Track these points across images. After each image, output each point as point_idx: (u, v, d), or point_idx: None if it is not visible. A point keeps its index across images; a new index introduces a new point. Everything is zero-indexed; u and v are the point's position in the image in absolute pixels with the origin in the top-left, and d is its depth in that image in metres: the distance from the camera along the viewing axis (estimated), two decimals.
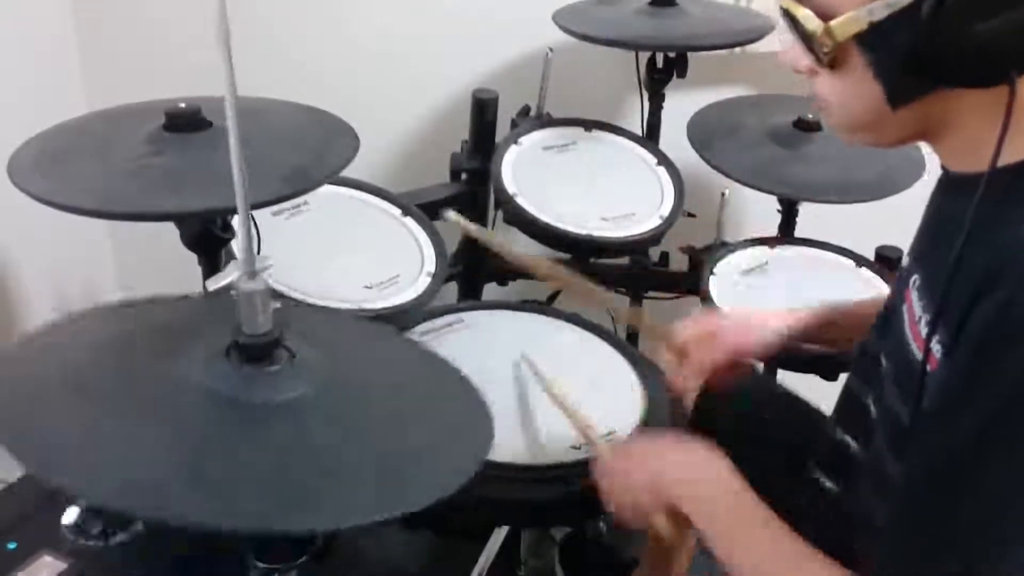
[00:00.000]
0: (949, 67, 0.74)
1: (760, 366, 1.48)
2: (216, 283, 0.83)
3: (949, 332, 0.75)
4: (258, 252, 1.26)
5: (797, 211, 1.71)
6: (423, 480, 0.78)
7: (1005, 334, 0.69)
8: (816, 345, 1.20)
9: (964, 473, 0.72)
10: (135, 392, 0.82)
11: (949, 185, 0.86)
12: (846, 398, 1.01)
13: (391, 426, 0.85)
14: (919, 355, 0.79)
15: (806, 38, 0.79)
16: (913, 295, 0.85)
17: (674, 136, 1.76)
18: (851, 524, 0.89)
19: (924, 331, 0.79)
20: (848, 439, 0.95)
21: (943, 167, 0.86)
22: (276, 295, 1.10)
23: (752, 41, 1.72)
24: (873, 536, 0.83)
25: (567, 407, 1.12)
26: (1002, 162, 0.76)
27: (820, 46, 0.78)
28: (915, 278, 0.86)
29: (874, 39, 0.76)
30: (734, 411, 1.21)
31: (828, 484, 0.98)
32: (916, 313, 0.83)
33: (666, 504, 0.93)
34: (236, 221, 0.84)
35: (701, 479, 0.92)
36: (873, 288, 1.53)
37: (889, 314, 0.92)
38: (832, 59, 0.79)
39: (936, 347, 0.77)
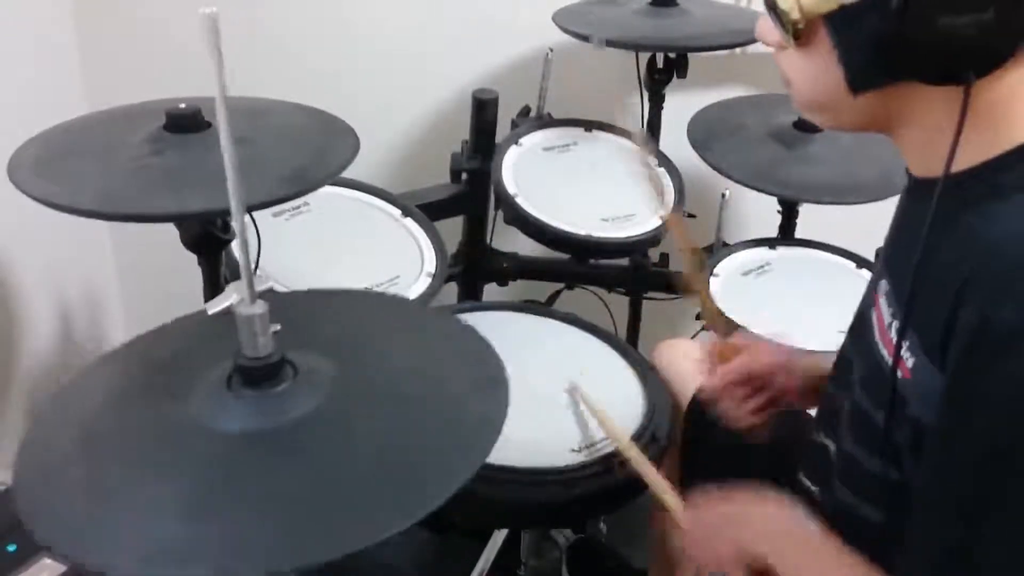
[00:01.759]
0: (910, 59, 0.74)
1: None
2: (215, 307, 0.83)
3: (924, 339, 0.75)
4: (258, 253, 1.26)
5: (797, 212, 1.71)
6: (444, 468, 0.77)
7: (990, 346, 0.69)
8: None
9: (977, 490, 0.71)
10: (146, 446, 0.81)
11: (913, 190, 0.86)
12: (824, 402, 1.01)
13: (405, 419, 0.84)
14: (889, 361, 0.79)
15: (777, 12, 0.80)
16: (882, 301, 0.85)
17: (674, 136, 1.75)
18: (832, 526, 0.88)
19: (894, 337, 0.79)
20: (827, 442, 0.95)
21: (907, 171, 0.86)
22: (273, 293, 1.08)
23: (752, 41, 1.71)
24: (853, 533, 0.83)
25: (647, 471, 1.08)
26: (964, 164, 0.76)
27: (790, 22, 0.79)
28: (883, 283, 0.86)
29: (843, 21, 0.76)
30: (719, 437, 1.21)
31: (812, 488, 0.98)
32: (885, 319, 0.83)
33: (750, 560, 0.90)
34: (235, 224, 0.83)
35: (780, 531, 0.90)
36: None
37: (860, 318, 0.92)
38: (800, 36, 0.79)
39: (906, 354, 0.77)
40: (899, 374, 0.78)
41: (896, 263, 0.86)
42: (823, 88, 0.81)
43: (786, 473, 1.01)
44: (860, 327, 0.91)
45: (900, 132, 0.82)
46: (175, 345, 0.96)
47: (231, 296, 0.81)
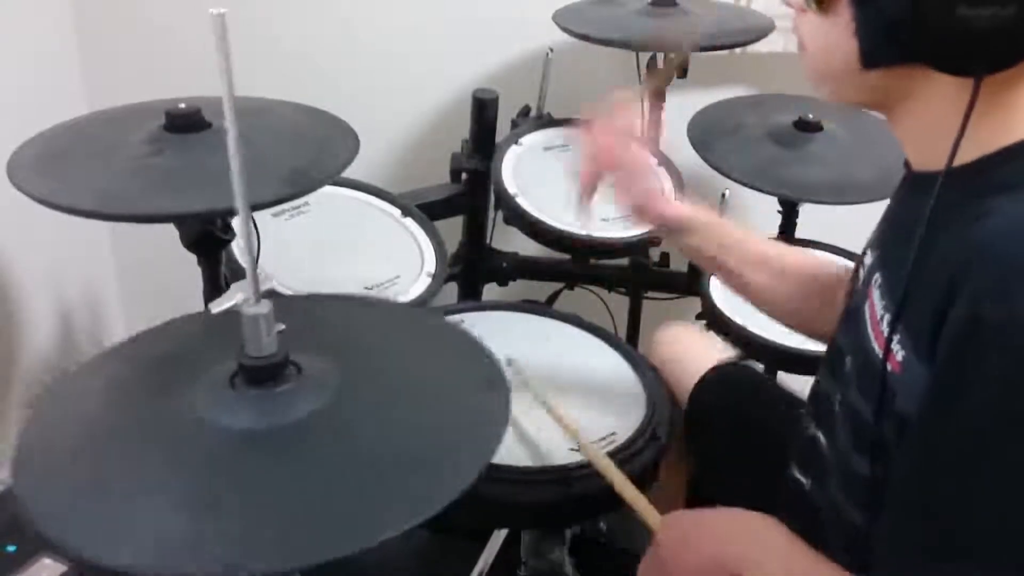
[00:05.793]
0: (924, 44, 0.73)
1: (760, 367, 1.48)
2: (219, 306, 0.83)
3: (913, 333, 0.75)
4: (258, 253, 1.26)
5: (797, 212, 1.71)
6: (447, 472, 0.76)
7: (979, 343, 0.69)
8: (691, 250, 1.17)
9: (957, 481, 0.71)
10: (149, 441, 0.81)
11: (911, 183, 0.86)
12: (815, 393, 1.00)
13: (408, 421, 0.83)
14: (880, 354, 0.79)
15: None
16: (875, 293, 0.84)
17: (674, 136, 1.75)
18: (821, 520, 0.88)
19: (885, 331, 0.79)
20: (819, 434, 0.95)
21: (905, 163, 0.86)
22: (276, 295, 1.09)
23: (752, 41, 1.72)
24: (839, 532, 0.83)
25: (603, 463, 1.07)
26: (965, 158, 0.75)
27: None
28: (876, 277, 0.85)
29: None
30: (728, 413, 1.22)
31: (803, 480, 0.98)
32: (878, 312, 0.82)
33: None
34: (237, 224, 0.83)
35: (760, 549, 0.89)
36: None
37: (852, 311, 0.91)
38: (822, 2, 0.79)
39: (896, 347, 0.77)
40: (889, 367, 0.78)
41: (890, 256, 0.85)
42: (835, 58, 0.81)
43: (782, 468, 1.01)
44: (852, 320, 0.90)
45: (902, 117, 0.82)
46: (177, 343, 0.96)
47: (235, 295, 0.81)
